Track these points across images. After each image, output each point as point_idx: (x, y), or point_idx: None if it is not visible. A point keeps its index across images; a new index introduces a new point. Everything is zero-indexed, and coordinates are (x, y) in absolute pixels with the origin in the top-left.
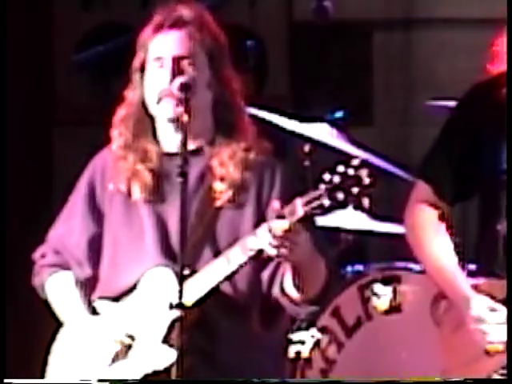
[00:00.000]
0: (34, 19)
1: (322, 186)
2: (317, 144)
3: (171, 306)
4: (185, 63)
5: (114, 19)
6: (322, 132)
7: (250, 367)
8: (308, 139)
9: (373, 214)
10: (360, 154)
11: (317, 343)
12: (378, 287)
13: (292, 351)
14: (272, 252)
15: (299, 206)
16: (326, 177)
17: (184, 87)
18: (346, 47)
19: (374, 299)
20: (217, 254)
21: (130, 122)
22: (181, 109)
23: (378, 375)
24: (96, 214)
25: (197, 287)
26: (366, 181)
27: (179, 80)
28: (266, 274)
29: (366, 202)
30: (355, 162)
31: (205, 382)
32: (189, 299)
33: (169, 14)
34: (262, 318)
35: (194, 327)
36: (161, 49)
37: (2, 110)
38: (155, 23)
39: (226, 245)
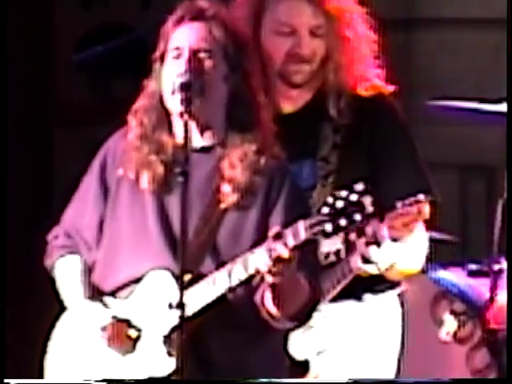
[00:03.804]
0: (34, 19)
1: (325, 210)
2: None
3: (170, 306)
4: (202, 55)
5: (114, 19)
6: None
7: (246, 374)
8: None
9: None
10: None
11: None
12: None
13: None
14: (266, 276)
15: (302, 230)
16: (330, 200)
17: (184, 87)
18: None
19: None
20: (219, 258)
21: (147, 114)
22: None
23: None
24: (106, 196)
25: (196, 299)
26: (369, 209)
27: (186, 76)
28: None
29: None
30: (359, 188)
31: (205, 382)
32: (188, 311)
33: (190, 8)
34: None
35: (190, 335)
36: (180, 39)
37: (2, 110)
38: (176, 16)
39: (228, 250)
